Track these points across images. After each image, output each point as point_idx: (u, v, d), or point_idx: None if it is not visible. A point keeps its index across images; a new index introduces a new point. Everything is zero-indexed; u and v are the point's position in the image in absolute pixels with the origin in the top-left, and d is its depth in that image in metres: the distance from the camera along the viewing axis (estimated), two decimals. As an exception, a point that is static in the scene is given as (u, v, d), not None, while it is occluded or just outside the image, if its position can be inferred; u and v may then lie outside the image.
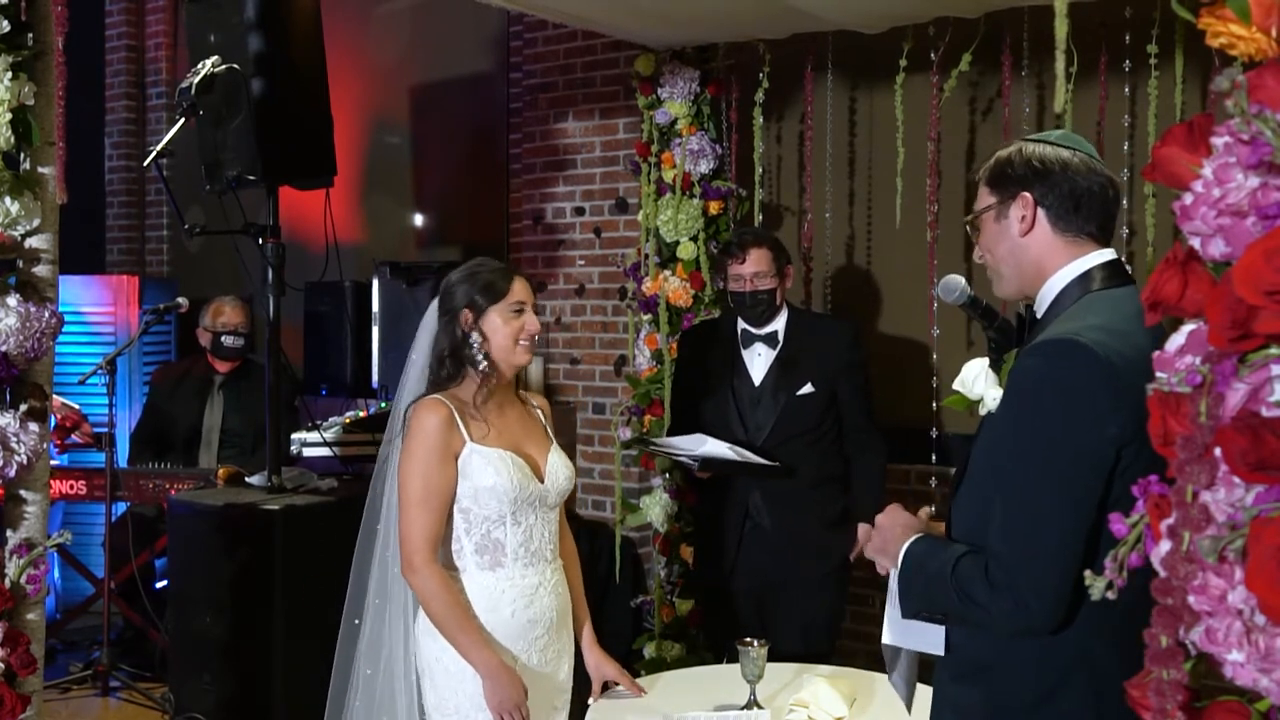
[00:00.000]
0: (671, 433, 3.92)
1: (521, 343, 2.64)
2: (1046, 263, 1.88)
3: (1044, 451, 1.70)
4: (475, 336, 2.62)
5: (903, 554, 1.90)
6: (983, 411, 1.93)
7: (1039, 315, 1.89)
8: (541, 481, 2.67)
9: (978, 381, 1.92)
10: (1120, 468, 1.69)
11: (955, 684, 1.90)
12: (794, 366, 3.63)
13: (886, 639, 2.05)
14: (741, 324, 3.69)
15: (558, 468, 2.72)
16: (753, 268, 3.60)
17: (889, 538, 1.95)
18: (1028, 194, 1.86)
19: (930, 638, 1.98)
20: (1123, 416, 1.67)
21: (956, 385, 1.97)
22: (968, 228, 2.00)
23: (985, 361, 1.94)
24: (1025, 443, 1.73)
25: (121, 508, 4.99)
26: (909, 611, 1.90)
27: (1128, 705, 1.45)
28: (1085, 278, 1.85)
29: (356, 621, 2.75)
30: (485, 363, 2.62)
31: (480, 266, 2.69)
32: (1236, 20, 1.23)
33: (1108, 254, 1.87)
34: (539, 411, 2.82)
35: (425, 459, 2.55)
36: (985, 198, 1.93)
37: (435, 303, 2.71)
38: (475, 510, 2.59)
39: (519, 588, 2.62)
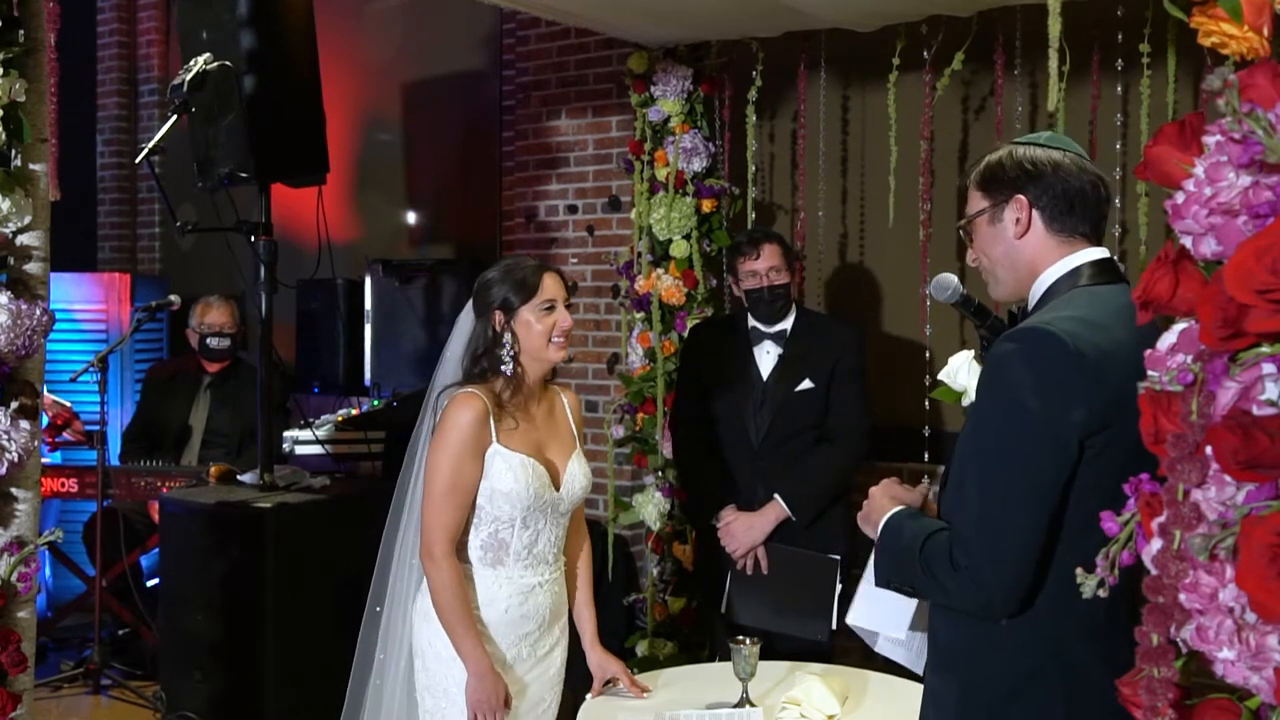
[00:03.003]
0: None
1: (554, 340, 2.64)
2: (1039, 262, 1.88)
3: (1008, 436, 1.72)
4: (507, 337, 2.63)
5: (883, 524, 1.92)
6: (966, 403, 1.94)
7: (1028, 311, 1.90)
8: (557, 489, 2.68)
9: (961, 372, 1.94)
10: (1087, 457, 1.70)
11: (934, 673, 1.92)
12: (796, 363, 3.66)
13: (851, 619, 2.08)
14: (752, 321, 3.72)
15: (575, 475, 2.72)
16: (767, 263, 3.63)
17: (875, 507, 1.98)
18: (1022, 196, 1.86)
19: (894, 619, 2.01)
20: (1089, 406, 1.68)
21: (942, 376, 1.98)
22: (960, 233, 1.99)
23: (970, 353, 1.95)
24: (990, 427, 1.76)
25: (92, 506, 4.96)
26: (880, 579, 1.92)
27: (1101, 703, 1.45)
28: (1073, 274, 1.85)
29: (379, 609, 2.80)
30: (511, 365, 2.63)
31: (513, 264, 2.69)
32: (1228, 19, 1.23)
33: (1099, 252, 1.87)
34: (567, 408, 2.82)
35: (457, 453, 2.56)
36: (977, 201, 1.93)
37: (470, 301, 2.73)
38: (487, 509, 2.62)
39: (516, 585, 2.64)
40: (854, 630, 2.13)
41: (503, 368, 2.63)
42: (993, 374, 1.78)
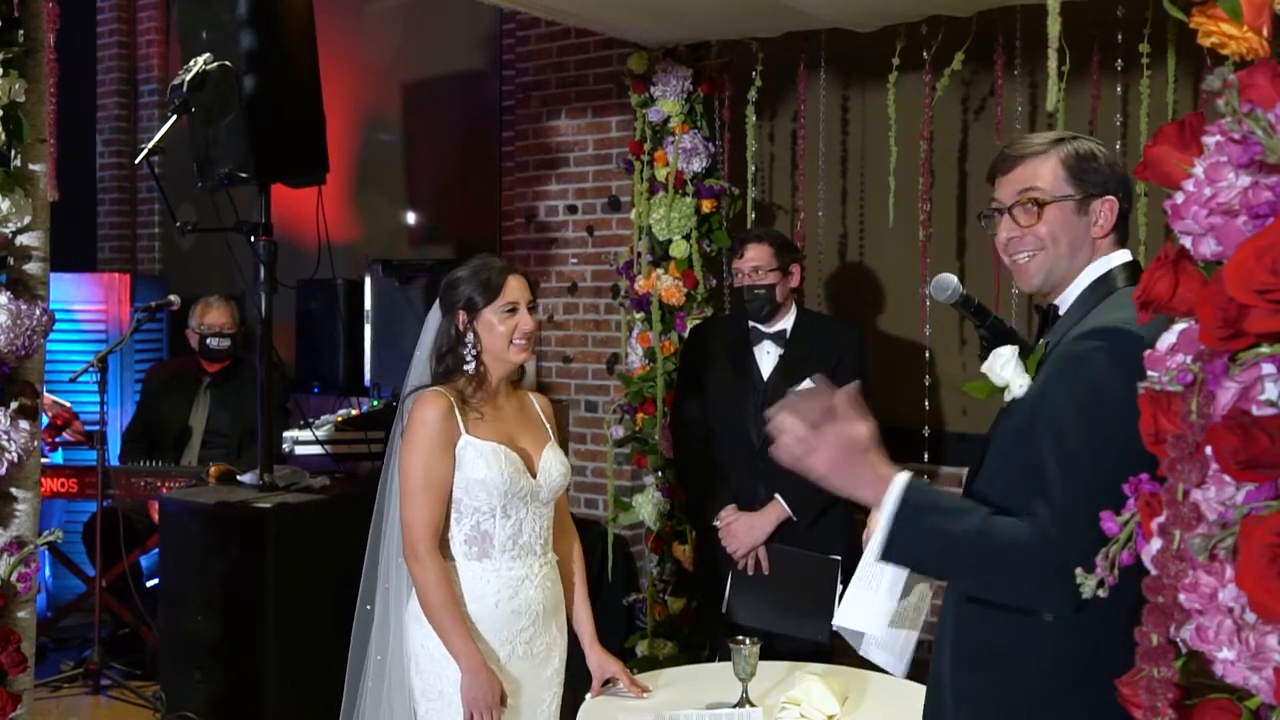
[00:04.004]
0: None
1: (516, 342, 2.66)
2: (1088, 261, 1.91)
3: (1094, 420, 1.71)
4: (470, 337, 2.66)
5: (900, 494, 1.75)
6: (1008, 398, 1.92)
7: (1061, 311, 1.91)
8: (534, 476, 2.69)
9: (1006, 368, 1.92)
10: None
11: (965, 672, 1.89)
12: (796, 363, 3.66)
13: (837, 619, 2.04)
14: (751, 321, 3.73)
15: (552, 463, 2.73)
16: (751, 262, 3.66)
17: (833, 441, 1.78)
18: (1114, 198, 1.89)
19: (875, 618, 1.98)
20: None
21: (984, 369, 1.95)
22: (1029, 203, 1.89)
23: (1015, 349, 1.93)
24: (1072, 412, 1.74)
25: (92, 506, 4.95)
26: (891, 555, 1.78)
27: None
28: (1107, 277, 1.88)
29: (369, 607, 2.81)
30: (474, 364, 2.67)
31: (479, 265, 2.71)
32: (1228, 20, 1.23)
33: (1126, 255, 1.91)
34: (538, 407, 2.85)
35: (427, 449, 2.59)
36: (1062, 185, 1.89)
37: (438, 300, 2.76)
38: (466, 501, 2.63)
39: (504, 579, 2.65)
40: (839, 632, 2.11)
41: (465, 366, 2.66)
42: (1074, 368, 1.77)
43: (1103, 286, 1.87)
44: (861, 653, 2.10)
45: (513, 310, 2.66)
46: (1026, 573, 1.71)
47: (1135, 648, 1.70)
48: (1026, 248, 1.92)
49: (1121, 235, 1.93)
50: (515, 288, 2.68)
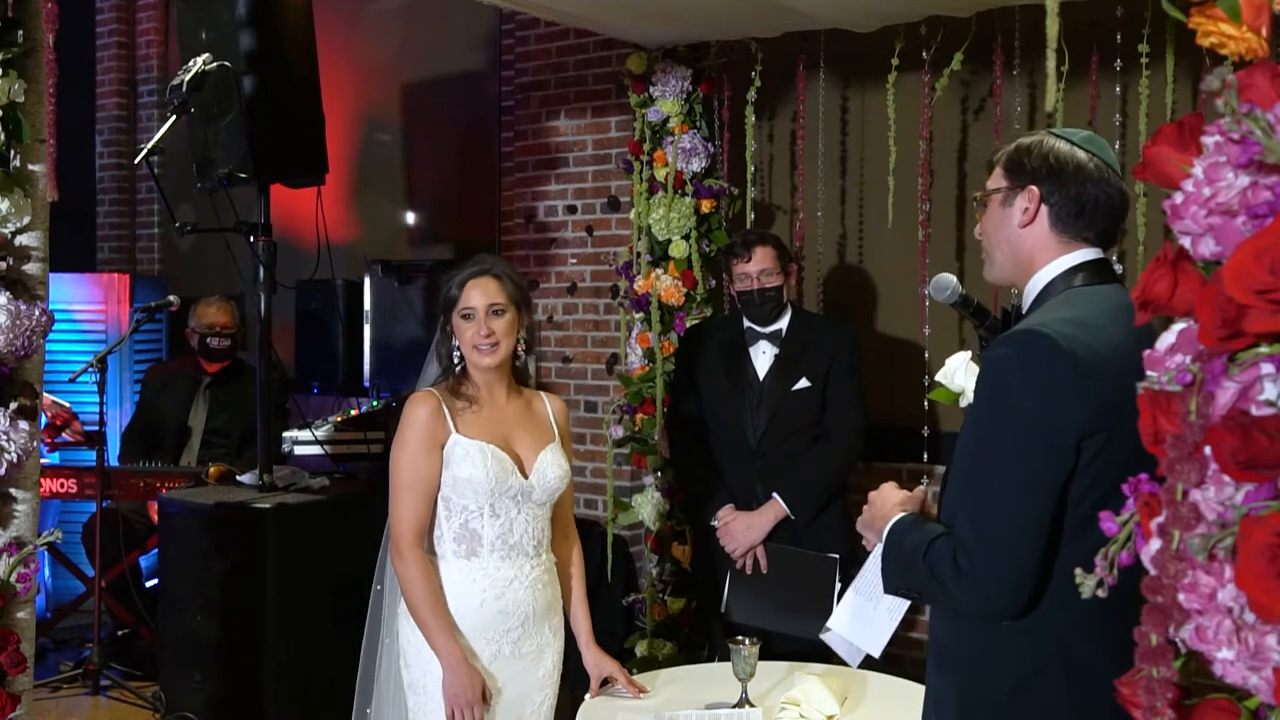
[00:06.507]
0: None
1: (477, 346, 2.68)
2: (1038, 257, 1.89)
3: (1004, 440, 1.73)
4: (455, 340, 2.73)
5: (887, 530, 1.92)
6: (964, 404, 1.94)
7: (1024, 310, 1.91)
8: (525, 477, 2.69)
9: (958, 373, 1.94)
10: (1081, 463, 1.70)
11: (935, 672, 1.92)
12: (793, 363, 3.66)
13: (831, 623, 2.08)
14: (746, 322, 3.73)
15: (548, 465, 2.73)
16: (759, 265, 3.64)
17: (878, 513, 1.97)
18: (1035, 188, 1.88)
19: (874, 637, 2.01)
20: (1084, 409, 1.69)
21: (940, 377, 1.98)
22: (974, 203, 2.01)
23: (967, 354, 1.95)
24: (987, 431, 1.76)
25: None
26: (889, 588, 1.92)
27: (1107, 699, 1.46)
28: (1069, 274, 1.87)
29: (379, 587, 2.87)
30: (459, 365, 2.73)
31: (457, 271, 2.76)
32: (1227, 20, 1.23)
33: (1095, 253, 1.89)
34: (549, 409, 2.85)
35: (413, 448, 2.64)
36: (998, 179, 1.95)
37: None
38: (454, 500, 2.66)
39: (491, 578, 2.65)
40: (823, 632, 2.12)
41: (454, 366, 2.73)
42: (987, 378, 1.79)
43: (1063, 284, 1.86)
44: (820, 635, 2.11)
45: (468, 316, 2.69)
46: (954, 598, 1.77)
47: (1102, 645, 1.72)
48: (983, 244, 1.99)
49: (1075, 231, 1.86)
50: (472, 294, 2.69)
